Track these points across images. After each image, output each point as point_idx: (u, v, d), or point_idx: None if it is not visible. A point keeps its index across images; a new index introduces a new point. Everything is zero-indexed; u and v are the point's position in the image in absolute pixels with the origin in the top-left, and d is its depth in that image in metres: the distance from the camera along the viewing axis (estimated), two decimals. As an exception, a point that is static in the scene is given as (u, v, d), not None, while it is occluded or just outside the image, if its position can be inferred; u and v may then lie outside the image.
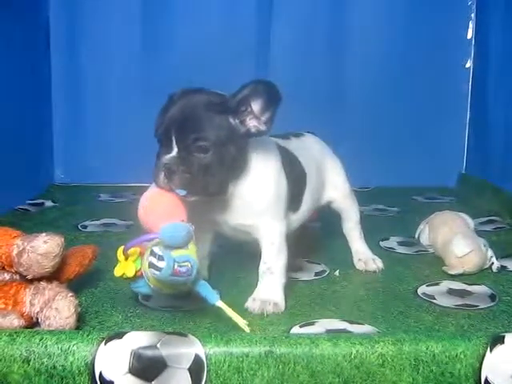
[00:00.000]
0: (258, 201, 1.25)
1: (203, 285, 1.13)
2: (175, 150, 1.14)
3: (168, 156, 1.14)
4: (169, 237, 1.06)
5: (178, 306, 1.24)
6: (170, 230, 1.07)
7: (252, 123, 1.20)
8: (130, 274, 1.15)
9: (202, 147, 1.14)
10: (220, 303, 1.11)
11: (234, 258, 1.53)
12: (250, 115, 1.19)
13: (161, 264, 1.05)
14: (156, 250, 1.06)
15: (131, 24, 2.42)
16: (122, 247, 1.15)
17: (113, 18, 2.42)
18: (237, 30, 2.41)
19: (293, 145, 1.43)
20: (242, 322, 1.09)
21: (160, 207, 1.15)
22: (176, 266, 1.05)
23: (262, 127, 1.20)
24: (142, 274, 1.13)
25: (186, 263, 1.06)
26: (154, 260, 1.06)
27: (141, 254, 1.15)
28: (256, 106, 1.19)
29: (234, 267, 1.48)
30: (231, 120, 1.19)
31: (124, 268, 1.16)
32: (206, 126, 1.15)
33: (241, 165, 1.22)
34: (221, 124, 1.17)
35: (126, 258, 1.16)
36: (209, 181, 1.16)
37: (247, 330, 1.08)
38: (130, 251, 1.15)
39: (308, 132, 1.58)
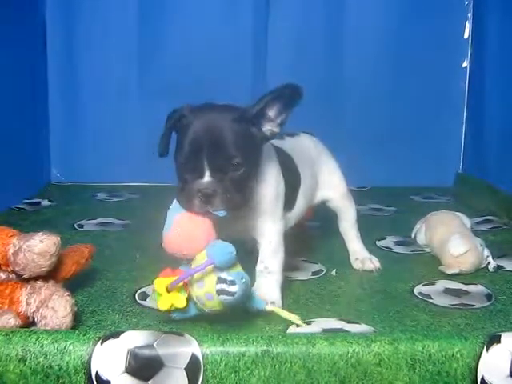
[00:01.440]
0: (260, 202, 1.25)
1: (250, 295, 1.15)
2: (208, 174, 1.12)
3: (202, 180, 1.12)
4: (225, 259, 1.06)
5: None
6: (222, 252, 1.06)
7: (267, 127, 1.20)
8: (182, 305, 1.11)
9: (235, 165, 1.13)
10: (269, 307, 1.14)
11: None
12: (266, 120, 1.20)
13: (233, 289, 1.04)
14: (225, 275, 1.05)
15: (128, 24, 2.42)
16: (161, 280, 1.11)
17: (110, 18, 2.42)
18: (234, 31, 2.41)
19: (287, 144, 1.44)
20: (295, 318, 1.12)
21: (197, 232, 1.13)
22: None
23: (276, 129, 1.21)
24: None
25: (243, 280, 1.07)
26: (225, 286, 1.04)
27: (184, 284, 1.12)
28: (273, 110, 1.19)
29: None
30: (252, 129, 1.19)
31: (171, 300, 1.11)
32: (236, 142, 1.13)
33: (259, 171, 1.23)
34: (246, 137, 1.16)
35: (169, 291, 1.11)
36: (245, 194, 1.16)
37: (303, 324, 1.12)
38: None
39: (305, 132, 1.58)
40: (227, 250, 1.06)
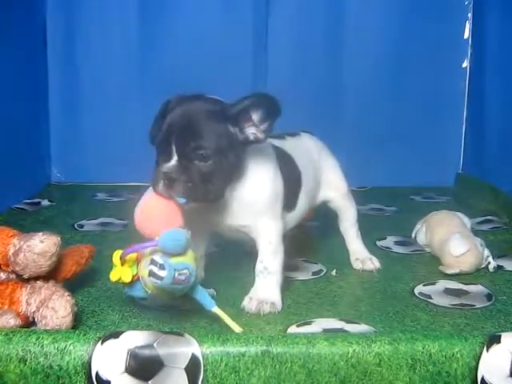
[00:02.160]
0: (254, 202, 1.25)
1: (200, 291, 1.13)
2: (175, 158, 1.14)
3: (168, 164, 1.14)
4: (169, 244, 1.06)
5: (174, 305, 1.24)
6: (169, 238, 1.06)
7: (251, 131, 1.20)
8: (127, 279, 1.13)
9: (202, 155, 1.14)
10: (216, 309, 1.12)
11: (231, 258, 1.53)
12: (249, 123, 1.20)
13: (162, 273, 1.05)
14: (157, 258, 1.06)
15: (128, 24, 2.42)
16: (118, 252, 1.13)
17: (110, 18, 2.42)
18: (234, 31, 2.41)
19: (288, 144, 1.43)
20: (237, 328, 1.09)
21: (159, 213, 1.14)
22: (176, 275, 1.05)
23: (261, 135, 1.20)
24: (138, 278, 1.14)
25: (184, 271, 1.06)
26: (154, 269, 1.05)
27: (137, 260, 1.14)
28: (256, 115, 1.19)
29: (231, 267, 1.48)
30: (230, 128, 1.19)
31: (120, 273, 1.13)
32: (207, 134, 1.15)
33: (239, 170, 1.23)
34: (221, 132, 1.17)
35: (123, 264, 1.14)
36: (209, 188, 1.16)
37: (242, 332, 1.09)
38: (127, 257, 1.13)
39: (305, 131, 1.58)
40: (175, 236, 1.07)
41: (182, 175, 1.13)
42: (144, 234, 1.14)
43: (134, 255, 1.14)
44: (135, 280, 1.14)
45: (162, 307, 1.22)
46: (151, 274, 1.06)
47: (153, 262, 1.06)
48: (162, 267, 1.05)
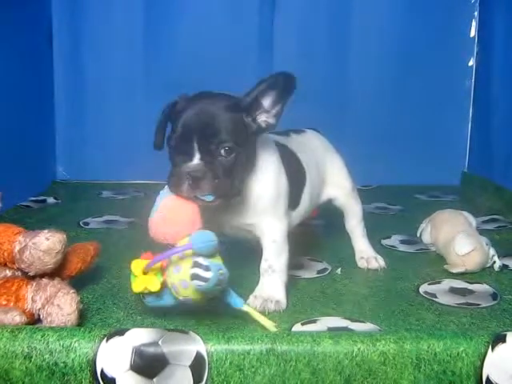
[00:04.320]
0: (259, 200, 1.25)
1: (228, 291, 1.12)
2: (197, 156, 1.12)
3: (191, 163, 1.12)
4: (203, 246, 1.04)
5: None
6: (202, 239, 1.05)
7: (262, 118, 1.20)
8: (155, 288, 1.08)
9: (226, 150, 1.13)
10: (246, 307, 1.12)
11: (235, 256, 1.53)
12: (260, 110, 1.19)
13: (207, 275, 1.02)
14: (200, 260, 1.04)
15: (134, 22, 2.42)
16: (138, 261, 1.10)
17: (115, 16, 2.42)
18: (240, 29, 2.41)
19: (292, 142, 1.43)
20: (269, 324, 1.09)
21: (184, 216, 1.12)
22: (219, 275, 1.04)
23: (272, 120, 1.20)
24: (164, 286, 1.10)
25: (221, 271, 1.05)
26: (199, 271, 1.02)
27: (162, 267, 1.10)
28: (266, 101, 1.18)
29: (235, 265, 1.47)
30: (245, 119, 1.18)
31: (145, 283, 1.09)
32: (227, 128, 1.13)
33: (253, 162, 1.22)
34: (238, 125, 1.16)
35: (145, 273, 1.09)
36: (234, 183, 1.15)
37: (276, 329, 1.09)
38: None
39: (311, 129, 1.58)
40: (208, 237, 1.05)
41: (207, 173, 1.11)
42: (164, 240, 1.12)
43: (158, 263, 1.10)
44: (163, 288, 1.10)
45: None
46: (195, 277, 1.03)
47: (197, 265, 1.03)
48: (207, 269, 1.02)
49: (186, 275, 1.05)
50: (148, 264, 1.08)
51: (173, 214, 1.12)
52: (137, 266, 1.10)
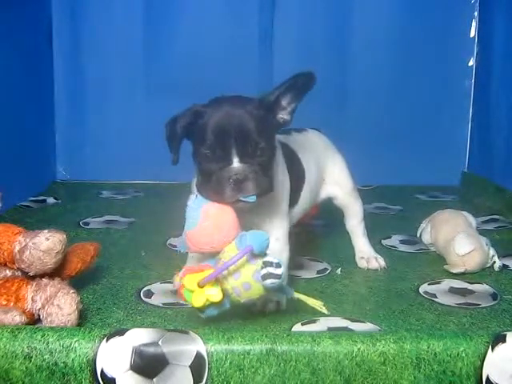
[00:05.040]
0: (272, 199, 1.25)
1: None
2: (236, 159, 1.13)
3: (233, 167, 1.12)
4: (263, 246, 1.07)
5: (179, 303, 1.24)
6: (259, 240, 1.07)
7: (280, 115, 1.22)
8: (218, 298, 1.07)
9: (261, 150, 1.15)
10: (297, 294, 1.13)
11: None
12: (279, 108, 1.21)
13: (279, 271, 1.05)
14: (270, 259, 1.06)
15: (134, 22, 2.42)
16: (192, 276, 1.08)
17: (115, 16, 2.42)
18: (240, 30, 2.41)
19: (293, 140, 1.44)
20: (323, 309, 1.12)
21: (229, 221, 1.12)
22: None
23: (287, 117, 1.22)
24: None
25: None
26: (271, 269, 1.05)
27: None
28: (286, 98, 1.20)
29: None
30: (269, 117, 1.19)
31: (206, 296, 1.07)
32: (259, 128, 1.14)
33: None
34: (266, 123, 1.17)
35: (201, 287, 1.07)
36: (270, 181, 1.17)
37: (326, 311, 1.12)
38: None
39: (313, 128, 1.58)
40: (264, 236, 1.07)
41: (250, 173, 1.12)
42: (211, 248, 1.11)
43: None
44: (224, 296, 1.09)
45: (167, 305, 1.22)
46: (268, 276, 1.04)
47: (267, 264, 1.05)
48: (278, 265, 1.05)
49: (248, 278, 1.07)
50: (207, 277, 1.07)
51: (218, 221, 1.11)
52: (190, 280, 1.08)
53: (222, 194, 1.12)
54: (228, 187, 1.11)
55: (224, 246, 1.10)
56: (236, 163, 1.12)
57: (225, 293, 1.09)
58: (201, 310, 1.10)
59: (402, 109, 2.48)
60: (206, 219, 1.11)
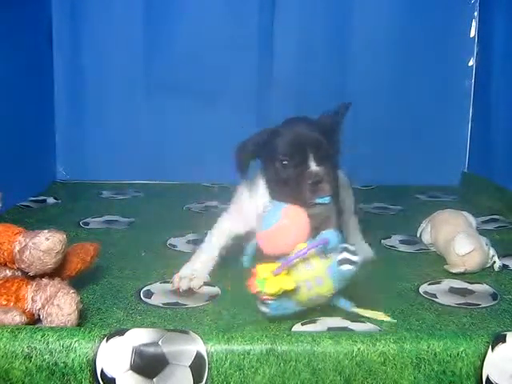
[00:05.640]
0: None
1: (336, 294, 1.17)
2: (314, 164, 1.24)
3: (311, 170, 1.24)
4: (337, 240, 1.14)
5: (179, 303, 1.24)
6: (334, 234, 1.14)
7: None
8: (291, 286, 1.11)
9: (330, 157, 1.28)
10: (355, 309, 1.17)
11: (237, 255, 1.54)
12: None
13: (355, 258, 1.11)
14: (348, 246, 1.12)
15: (134, 22, 2.41)
16: (264, 265, 1.12)
17: (115, 17, 2.42)
18: (240, 30, 2.40)
19: None
20: (382, 316, 1.15)
21: (305, 222, 1.19)
22: None
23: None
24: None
25: None
26: (348, 255, 1.11)
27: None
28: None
29: (236, 264, 1.48)
30: (332, 129, 1.34)
31: (279, 283, 1.10)
32: (327, 137, 1.28)
33: None
34: (331, 133, 1.32)
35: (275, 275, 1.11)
36: (337, 183, 1.31)
37: (390, 319, 1.16)
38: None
39: None
40: (338, 233, 1.15)
41: (326, 175, 1.24)
42: (285, 250, 1.15)
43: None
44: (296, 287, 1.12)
45: (167, 305, 1.23)
46: (345, 261, 1.10)
47: (346, 250, 1.11)
48: (354, 253, 1.11)
49: (321, 271, 1.12)
50: (283, 263, 1.11)
51: (296, 220, 1.18)
52: (264, 269, 1.12)
53: (302, 196, 1.23)
54: (307, 189, 1.22)
55: (292, 248, 1.14)
56: (314, 167, 1.24)
57: (296, 287, 1.11)
58: (267, 304, 1.13)
59: (401, 109, 2.47)
60: (286, 218, 1.18)
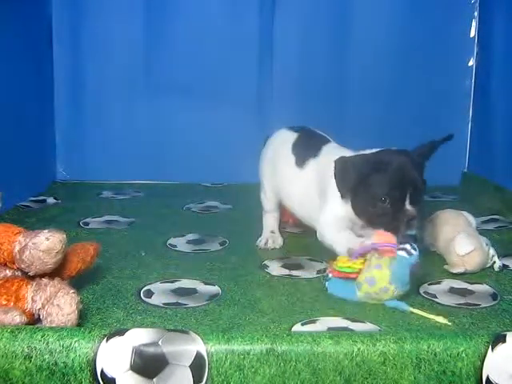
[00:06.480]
0: None
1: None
2: (408, 202, 1.37)
3: (408, 209, 1.37)
4: (417, 254, 1.27)
5: (179, 303, 1.24)
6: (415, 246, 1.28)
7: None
8: (358, 266, 1.27)
9: (422, 198, 1.41)
10: (412, 309, 1.23)
11: (236, 255, 1.53)
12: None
13: (413, 252, 1.25)
14: (412, 242, 1.28)
15: (134, 23, 2.42)
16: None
17: (115, 17, 2.42)
18: (240, 30, 2.40)
19: None
20: (440, 319, 1.18)
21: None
22: (415, 262, 1.25)
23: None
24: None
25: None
26: (408, 247, 1.26)
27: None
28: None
29: (236, 265, 1.48)
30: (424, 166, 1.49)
31: (350, 262, 1.30)
32: (423, 179, 1.41)
33: None
34: (423, 172, 1.45)
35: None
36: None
37: (447, 322, 1.17)
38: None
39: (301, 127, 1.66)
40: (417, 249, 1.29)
41: (417, 216, 1.37)
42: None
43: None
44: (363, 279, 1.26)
45: (167, 305, 1.23)
46: (403, 249, 1.25)
47: (408, 242, 1.28)
48: (414, 248, 1.26)
49: (385, 281, 1.24)
50: (357, 251, 1.30)
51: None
52: (342, 257, 1.33)
53: (398, 229, 1.36)
54: (402, 223, 1.37)
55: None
56: (409, 206, 1.37)
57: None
58: (327, 278, 1.32)
59: (401, 109, 2.47)
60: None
